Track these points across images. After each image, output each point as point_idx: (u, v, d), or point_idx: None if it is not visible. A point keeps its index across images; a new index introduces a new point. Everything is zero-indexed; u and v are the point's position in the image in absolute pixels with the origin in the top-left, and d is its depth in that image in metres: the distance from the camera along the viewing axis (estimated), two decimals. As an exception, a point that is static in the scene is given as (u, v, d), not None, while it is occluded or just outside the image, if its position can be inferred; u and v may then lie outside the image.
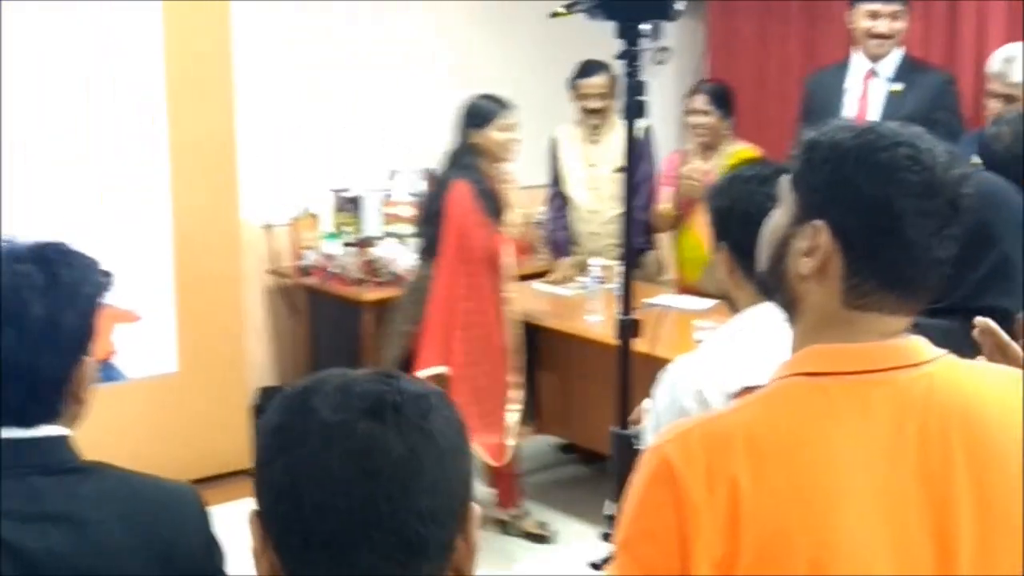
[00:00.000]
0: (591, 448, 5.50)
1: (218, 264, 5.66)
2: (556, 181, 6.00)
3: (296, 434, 1.30)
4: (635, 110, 2.30)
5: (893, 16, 5.24)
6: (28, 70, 5.05)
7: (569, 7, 2.49)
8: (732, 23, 7.13)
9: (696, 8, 7.53)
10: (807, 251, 1.57)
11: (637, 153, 5.72)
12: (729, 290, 2.53)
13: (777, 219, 1.64)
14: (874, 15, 5.25)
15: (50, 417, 1.85)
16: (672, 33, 7.39)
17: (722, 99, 5.63)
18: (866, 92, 5.36)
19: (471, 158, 5.00)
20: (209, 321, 5.64)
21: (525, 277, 5.95)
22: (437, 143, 6.12)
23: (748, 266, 2.19)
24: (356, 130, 6.47)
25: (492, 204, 4.96)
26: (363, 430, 1.27)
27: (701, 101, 5.62)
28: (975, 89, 5.90)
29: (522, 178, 6.48)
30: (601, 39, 7.09)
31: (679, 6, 1.98)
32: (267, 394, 6.15)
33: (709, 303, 5.27)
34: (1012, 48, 4.84)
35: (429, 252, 5.09)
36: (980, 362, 1.80)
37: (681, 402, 2.29)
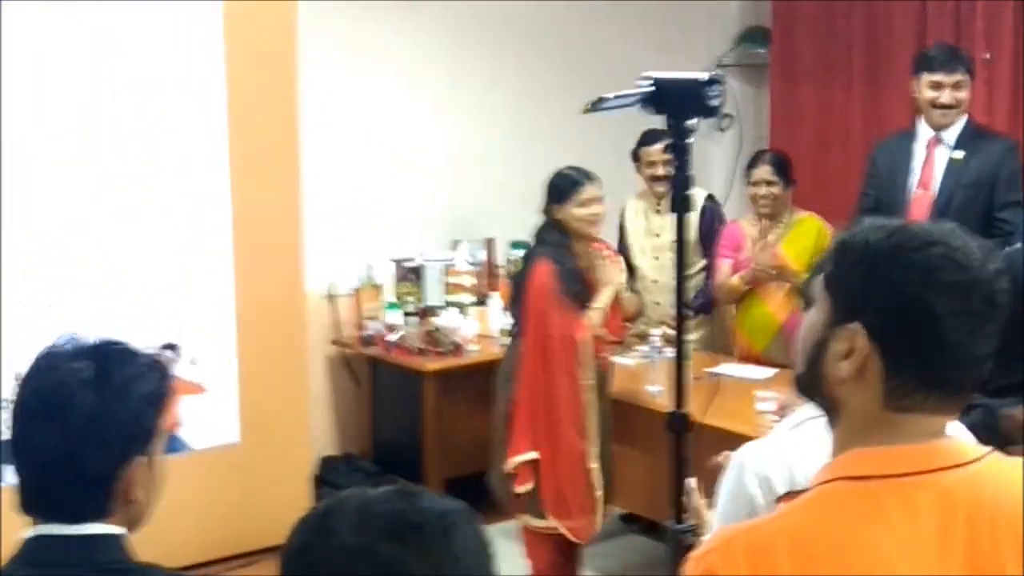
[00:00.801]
0: (651, 518, 5.44)
1: (281, 334, 5.68)
2: (622, 251, 6.01)
3: (318, 557, 1.30)
4: (683, 205, 2.26)
5: (956, 86, 5.21)
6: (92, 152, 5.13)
7: (595, 104, 2.43)
8: (794, 90, 7.12)
9: (758, 75, 7.54)
10: (845, 354, 1.55)
11: (707, 226, 5.81)
12: None
13: (812, 321, 1.62)
14: (937, 85, 5.22)
15: (98, 515, 1.83)
16: (735, 100, 7.56)
17: (784, 168, 5.62)
18: (931, 159, 5.32)
19: (556, 235, 4.87)
20: (272, 391, 5.66)
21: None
22: (499, 213, 6.20)
23: None
24: (419, 199, 6.52)
25: (576, 285, 4.82)
26: (384, 553, 1.26)
27: (766, 171, 5.60)
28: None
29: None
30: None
31: (723, 111, 1.95)
32: (329, 464, 6.16)
33: (771, 372, 5.23)
34: None
35: (516, 331, 5.04)
36: None
37: (748, 490, 2.24)
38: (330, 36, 6.18)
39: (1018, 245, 2.86)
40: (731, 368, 5.37)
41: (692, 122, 2.02)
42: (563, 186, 4.85)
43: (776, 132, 7.19)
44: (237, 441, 5.54)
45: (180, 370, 5.30)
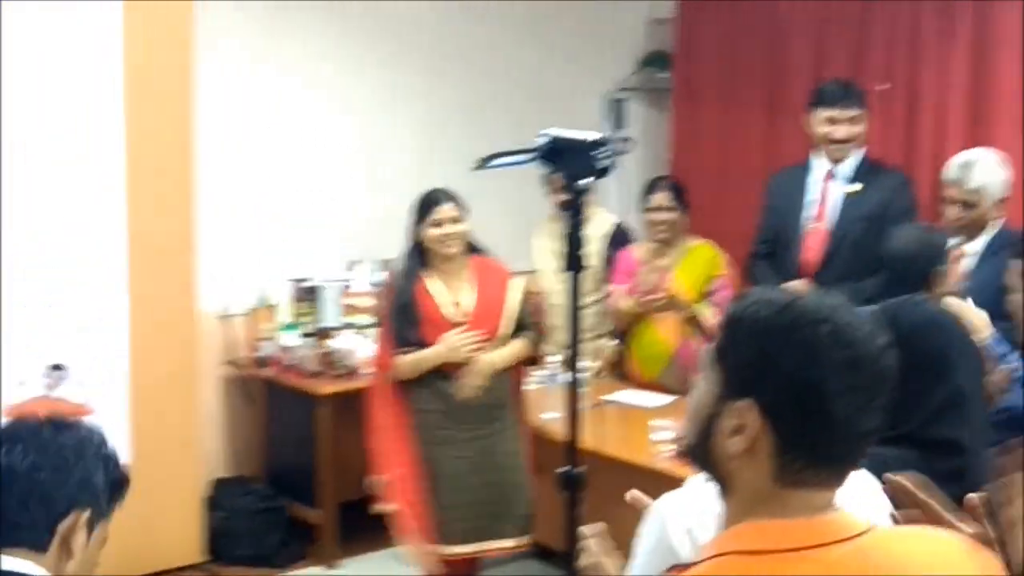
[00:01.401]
0: (548, 546, 5.42)
1: (173, 354, 5.59)
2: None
3: None
4: (575, 263, 2.23)
5: (851, 121, 5.31)
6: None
7: (485, 161, 2.37)
8: (695, 115, 7.17)
9: (661, 99, 7.58)
10: (736, 430, 1.55)
11: (615, 253, 5.82)
12: None
13: (701, 392, 1.62)
14: (832, 121, 5.31)
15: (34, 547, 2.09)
16: (636, 124, 7.60)
17: (681, 195, 5.65)
18: (825, 194, 5.41)
19: (413, 259, 4.87)
20: (163, 412, 5.56)
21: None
22: (399, 234, 6.13)
23: None
24: (316, 220, 6.45)
25: (400, 318, 4.79)
26: None
27: (664, 198, 5.61)
28: (933, 191, 5.92)
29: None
30: (579, 126, 7.22)
31: (609, 162, 1.93)
32: (221, 486, 6.06)
33: (667, 399, 5.24)
34: (969, 154, 4.87)
35: None
36: (912, 528, 1.76)
37: (670, 541, 2.21)
38: (228, 53, 6.10)
39: (901, 298, 2.89)
40: (627, 395, 5.37)
41: (585, 181, 1.99)
42: (420, 206, 4.84)
43: (677, 156, 7.24)
44: (126, 463, 5.42)
45: (66, 391, 5.20)
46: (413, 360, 4.77)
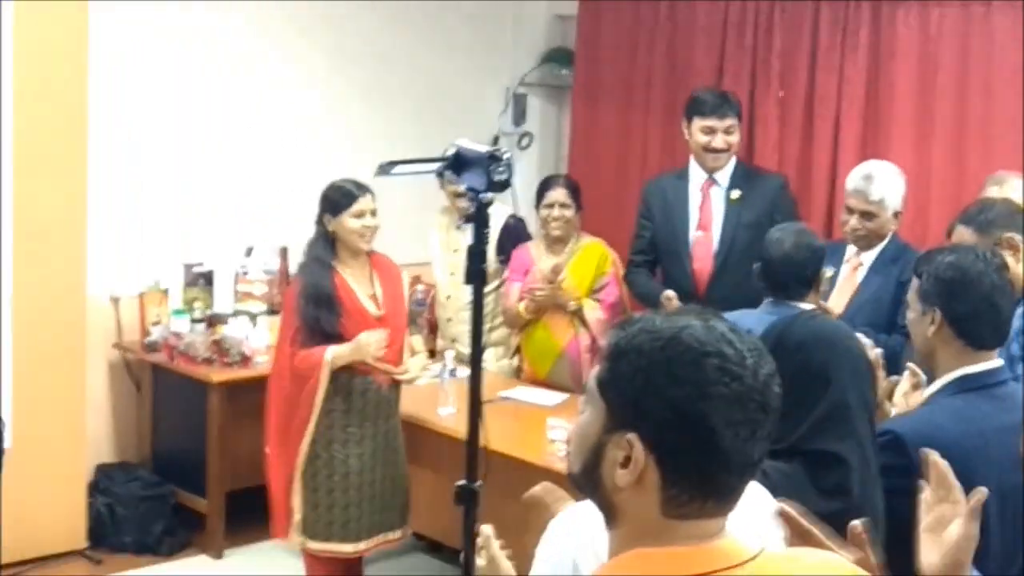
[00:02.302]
0: (439, 539, 5.43)
1: (59, 336, 5.49)
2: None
3: None
4: (478, 276, 2.22)
5: (727, 131, 5.37)
6: None
7: (384, 168, 2.35)
8: (595, 113, 7.20)
9: (560, 95, 7.61)
10: (622, 462, 1.54)
11: (513, 245, 5.82)
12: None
13: (586, 422, 1.60)
14: (710, 131, 5.35)
15: None
16: (536, 119, 7.62)
17: (577, 193, 5.68)
18: (707, 201, 5.45)
19: (322, 249, 4.80)
20: (47, 395, 5.46)
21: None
22: (295, 221, 6.09)
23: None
24: (211, 204, 6.35)
25: (319, 309, 4.72)
26: None
27: (560, 194, 5.63)
28: (828, 200, 6.02)
29: (400, 256, 6.53)
30: (480, 119, 7.23)
31: (508, 176, 1.92)
32: (105, 472, 5.96)
33: (560, 397, 5.27)
34: (871, 166, 4.94)
35: None
36: (800, 550, 1.78)
37: (570, 555, 2.20)
38: (122, 31, 5.98)
39: (791, 315, 2.93)
40: (523, 392, 5.38)
41: (487, 195, 1.98)
42: (337, 197, 4.77)
43: (576, 154, 7.26)
44: (8, 447, 5.31)
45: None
46: (336, 356, 4.71)
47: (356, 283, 4.82)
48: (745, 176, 5.48)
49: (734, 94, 5.63)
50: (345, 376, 4.76)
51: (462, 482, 2.33)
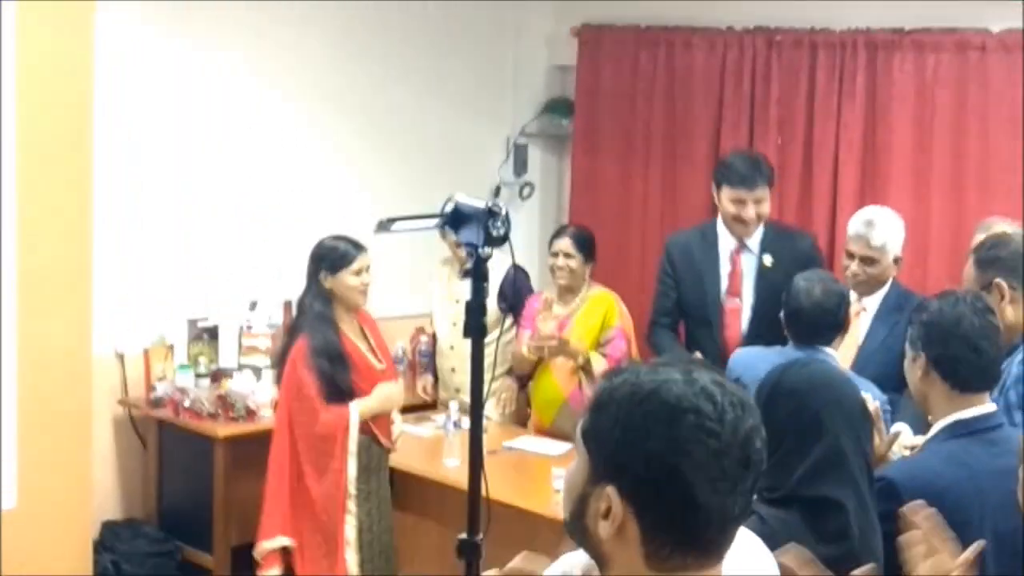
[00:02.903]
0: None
1: (64, 393, 5.47)
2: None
3: None
4: (477, 330, 2.24)
5: (758, 201, 5.15)
6: None
7: (384, 224, 2.37)
8: (594, 162, 7.24)
9: (560, 145, 7.65)
10: (604, 513, 1.55)
11: (514, 293, 5.85)
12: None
13: (573, 471, 1.62)
14: (739, 202, 5.14)
15: None
16: (537, 169, 7.65)
17: (585, 243, 5.69)
18: (737, 267, 5.25)
19: (321, 305, 4.85)
20: (53, 452, 5.44)
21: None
22: (299, 275, 6.10)
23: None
24: (215, 260, 6.38)
25: (332, 363, 4.78)
26: None
27: (566, 244, 5.66)
28: (828, 247, 6.03)
29: (400, 307, 6.55)
30: (481, 169, 7.26)
31: (505, 231, 1.94)
32: (111, 529, 5.95)
33: (565, 447, 5.27)
34: (872, 211, 4.95)
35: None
36: None
37: None
38: (126, 77, 6.02)
39: (787, 362, 2.95)
40: (528, 442, 5.39)
41: (486, 250, 2.00)
42: (337, 255, 4.85)
43: (576, 203, 7.30)
44: (13, 506, 5.31)
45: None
46: (363, 410, 4.78)
47: (355, 339, 4.85)
48: (776, 238, 5.26)
49: (766, 159, 5.38)
50: (360, 432, 4.81)
51: (464, 535, 2.34)
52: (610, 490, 1.53)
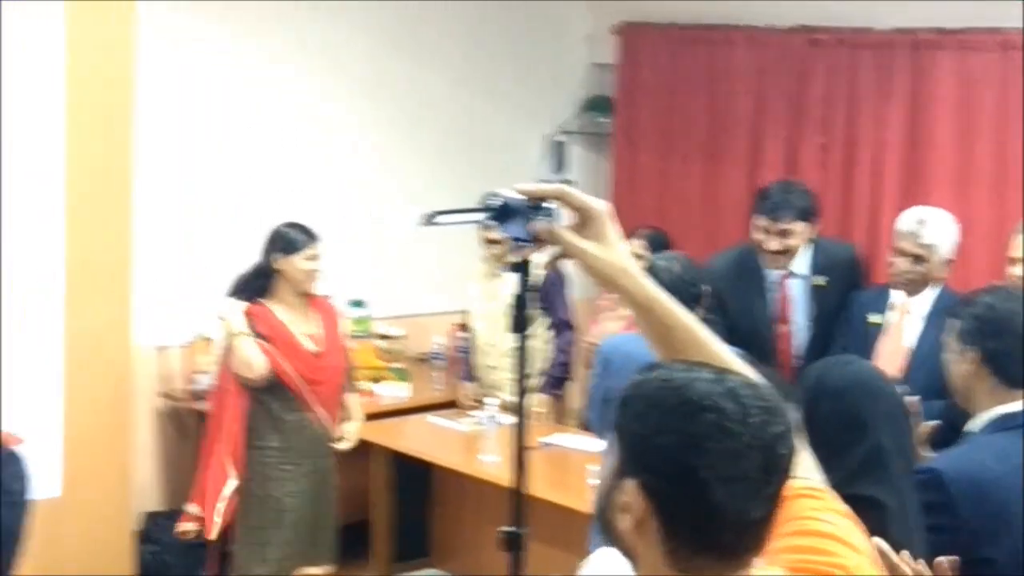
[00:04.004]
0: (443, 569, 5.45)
1: (107, 386, 5.54)
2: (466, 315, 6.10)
3: None
4: (521, 325, 2.24)
5: (783, 234, 5.00)
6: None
7: (430, 218, 2.36)
8: (634, 160, 7.25)
9: (600, 143, 7.66)
10: (624, 508, 1.55)
11: (550, 292, 5.87)
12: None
13: (605, 466, 1.62)
14: (765, 231, 5.03)
15: None
16: (577, 167, 7.66)
17: (661, 246, 5.63)
18: (785, 293, 5.14)
19: (255, 278, 5.07)
20: (96, 444, 5.51)
21: (422, 409, 5.96)
22: (338, 270, 6.14)
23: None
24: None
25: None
26: None
27: (638, 246, 5.60)
28: (870, 245, 6.00)
29: (438, 304, 6.62)
30: (520, 167, 7.28)
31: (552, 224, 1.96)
32: (154, 520, 6.01)
33: (603, 444, 5.27)
34: (925, 210, 4.89)
35: None
36: None
37: None
38: (169, 70, 6.08)
39: (828, 359, 2.94)
40: (565, 438, 5.40)
41: (530, 245, 2.01)
42: (293, 238, 5.03)
43: (616, 201, 7.28)
44: (58, 495, 5.37)
45: (-2, 421, 5.14)
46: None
47: (293, 318, 5.04)
48: (823, 257, 5.12)
49: (806, 193, 5.18)
50: (279, 409, 4.98)
51: (508, 528, 2.35)
52: (631, 484, 1.52)
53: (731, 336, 5.17)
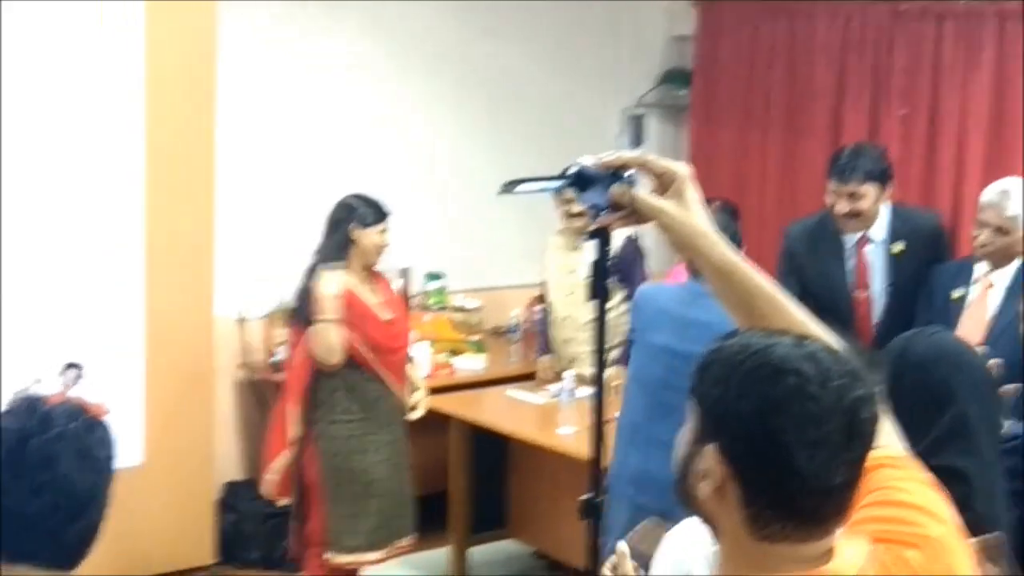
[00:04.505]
0: (560, 559, 5.45)
1: (189, 357, 5.62)
2: (543, 287, 6.08)
3: None
4: (601, 292, 2.23)
5: (851, 196, 4.89)
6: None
7: (508, 186, 2.35)
8: (713, 133, 7.20)
9: (678, 116, 7.61)
10: (704, 474, 1.53)
11: (628, 265, 5.84)
12: None
13: (684, 432, 1.60)
14: (835, 194, 4.93)
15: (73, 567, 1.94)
16: (654, 140, 7.61)
17: (735, 217, 5.58)
18: (862, 259, 5.06)
19: (339, 251, 5.02)
20: (177, 413, 5.59)
21: (499, 381, 5.97)
22: (416, 243, 6.16)
23: None
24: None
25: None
26: None
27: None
28: (953, 219, 5.91)
29: (515, 277, 6.66)
30: (597, 140, 7.25)
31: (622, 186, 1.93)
32: (234, 489, 6.08)
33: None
34: (1010, 182, 4.80)
35: None
36: None
37: (690, 568, 2.22)
38: (250, 52, 6.13)
39: (913, 330, 2.89)
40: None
41: (609, 213, 1.99)
42: (372, 211, 5.03)
43: (694, 174, 7.24)
44: (140, 463, 5.46)
45: (82, 390, 5.22)
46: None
47: (363, 289, 5.05)
48: (902, 224, 5.02)
49: (879, 154, 5.06)
50: (359, 380, 4.99)
51: (586, 496, 2.35)
52: (710, 450, 1.52)
53: (807, 303, 5.22)
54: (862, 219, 4.95)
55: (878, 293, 5.04)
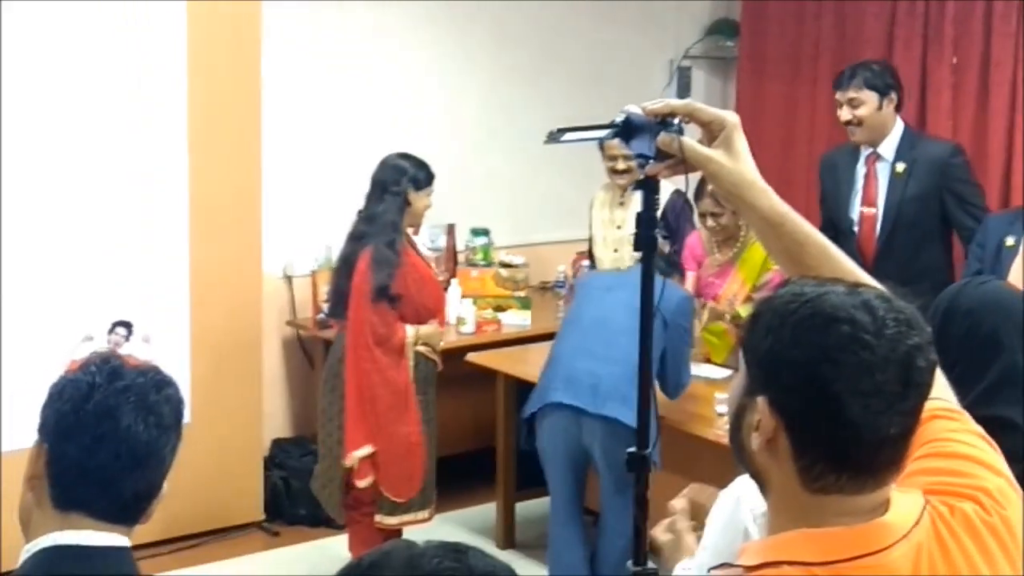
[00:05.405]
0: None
1: (236, 314, 5.64)
2: (589, 241, 6.02)
3: None
4: (648, 244, 2.19)
5: (851, 103, 5.13)
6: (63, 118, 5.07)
7: (554, 135, 2.31)
8: (761, 85, 7.11)
9: (726, 67, 7.53)
10: (756, 426, 1.50)
11: (676, 218, 5.77)
12: None
13: (734, 386, 1.58)
14: (838, 104, 5.20)
15: (131, 523, 1.92)
16: (700, 92, 7.53)
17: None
18: (871, 176, 5.26)
19: (397, 216, 4.95)
20: (225, 371, 5.62)
21: (545, 337, 5.94)
22: (461, 198, 6.13)
23: None
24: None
25: (388, 279, 4.89)
26: None
27: (708, 204, 5.20)
28: (1006, 167, 5.83)
29: (560, 232, 6.63)
30: (643, 93, 7.18)
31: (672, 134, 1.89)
32: (281, 446, 6.10)
33: (728, 372, 5.21)
34: None
35: (339, 313, 5.12)
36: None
37: (744, 524, 2.20)
38: (293, 18, 6.10)
39: (963, 280, 2.84)
40: (692, 368, 5.32)
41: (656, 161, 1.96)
42: (425, 174, 5.00)
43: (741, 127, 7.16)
44: (188, 421, 5.46)
45: (132, 348, 5.25)
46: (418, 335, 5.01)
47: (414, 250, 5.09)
48: (911, 146, 5.20)
49: (882, 67, 5.35)
50: (422, 363, 5.04)
51: (633, 449, 2.33)
52: (761, 401, 1.48)
53: (829, 222, 5.29)
54: (865, 129, 5.14)
55: (882, 211, 5.19)
